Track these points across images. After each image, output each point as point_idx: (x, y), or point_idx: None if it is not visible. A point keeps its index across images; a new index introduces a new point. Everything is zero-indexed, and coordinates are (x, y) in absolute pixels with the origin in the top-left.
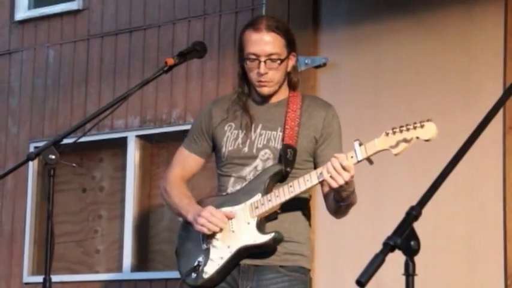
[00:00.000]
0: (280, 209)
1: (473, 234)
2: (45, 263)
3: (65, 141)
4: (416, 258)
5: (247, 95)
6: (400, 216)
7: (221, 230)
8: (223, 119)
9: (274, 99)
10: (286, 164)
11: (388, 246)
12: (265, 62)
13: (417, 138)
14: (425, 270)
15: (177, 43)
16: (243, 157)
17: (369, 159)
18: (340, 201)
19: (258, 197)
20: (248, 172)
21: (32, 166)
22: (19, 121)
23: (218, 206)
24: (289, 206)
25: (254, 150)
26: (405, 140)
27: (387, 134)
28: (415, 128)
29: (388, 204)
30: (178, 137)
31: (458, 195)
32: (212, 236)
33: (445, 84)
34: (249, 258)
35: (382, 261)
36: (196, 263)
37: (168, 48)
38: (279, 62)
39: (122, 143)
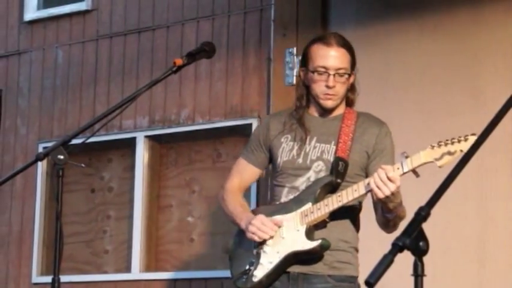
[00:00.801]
0: (329, 218)
1: (482, 235)
2: (54, 263)
3: (74, 141)
4: (425, 259)
5: (305, 108)
6: (409, 216)
7: (271, 237)
8: (280, 131)
9: (331, 114)
10: (337, 176)
11: (397, 247)
12: (334, 75)
13: (461, 151)
14: (434, 270)
15: (185, 43)
16: (297, 168)
17: (414, 172)
18: (387, 212)
19: (308, 205)
20: (301, 183)
21: (41, 166)
22: (28, 121)
23: (270, 214)
24: (339, 215)
25: (308, 162)
26: (449, 153)
27: (432, 147)
28: (459, 141)
29: None
30: (187, 138)
31: (467, 195)
32: (263, 242)
33: (454, 85)
34: (298, 265)
35: (391, 261)
36: (247, 267)
37: (177, 48)
38: (346, 76)
39: (131, 143)
